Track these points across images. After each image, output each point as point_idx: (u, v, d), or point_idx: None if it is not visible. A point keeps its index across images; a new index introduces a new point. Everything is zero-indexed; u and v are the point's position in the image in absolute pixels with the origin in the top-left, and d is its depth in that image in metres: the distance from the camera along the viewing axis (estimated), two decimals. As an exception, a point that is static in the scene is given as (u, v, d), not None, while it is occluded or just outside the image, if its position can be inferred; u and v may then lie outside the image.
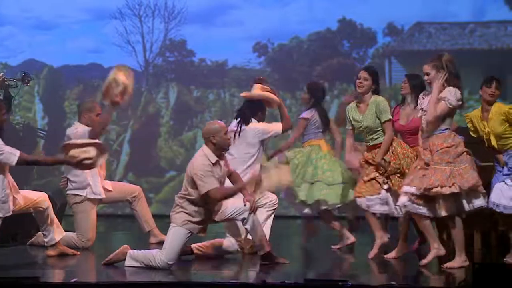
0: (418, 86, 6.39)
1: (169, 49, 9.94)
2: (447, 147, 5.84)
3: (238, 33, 9.83)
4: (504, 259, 6.11)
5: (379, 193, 6.22)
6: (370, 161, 6.26)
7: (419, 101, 6.08)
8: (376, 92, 6.29)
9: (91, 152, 5.79)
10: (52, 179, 9.63)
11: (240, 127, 6.47)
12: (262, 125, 6.52)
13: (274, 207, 6.34)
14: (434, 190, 5.76)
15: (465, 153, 5.89)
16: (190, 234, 5.75)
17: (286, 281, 5.23)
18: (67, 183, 6.79)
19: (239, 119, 6.51)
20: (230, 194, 5.79)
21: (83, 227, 6.70)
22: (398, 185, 6.13)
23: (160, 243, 6.29)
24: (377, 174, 6.22)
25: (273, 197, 6.34)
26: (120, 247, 5.88)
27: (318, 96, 7.10)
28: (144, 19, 9.88)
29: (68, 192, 6.81)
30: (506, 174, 6.12)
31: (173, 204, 5.82)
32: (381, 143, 6.22)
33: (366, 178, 6.25)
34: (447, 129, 5.91)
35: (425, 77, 5.98)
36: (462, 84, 5.96)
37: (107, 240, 7.52)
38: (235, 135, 6.43)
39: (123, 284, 5.36)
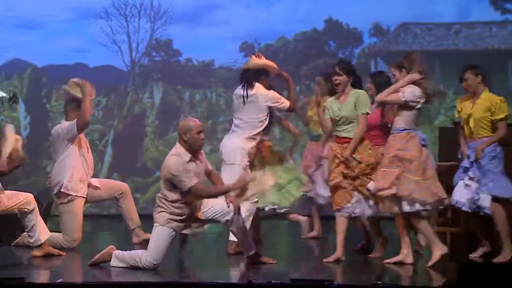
0: (383, 84, 6.38)
1: (155, 49, 9.92)
2: (399, 150, 5.93)
3: (224, 33, 9.82)
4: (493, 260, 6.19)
5: (351, 199, 6.10)
6: (338, 155, 6.10)
7: None
8: (355, 84, 6.18)
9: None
10: (37, 179, 9.59)
11: (246, 91, 6.48)
12: (272, 93, 6.56)
13: (253, 207, 6.31)
14: (379, 193, 5.93)
15: (415, 160, 5.91)
16: (174, 233, 5.74)
17: (272, 281, 5.24)
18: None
19: (243, 83, 6.52)
20: (214, 194, 5.78)
21: (69, 227, 6.67)
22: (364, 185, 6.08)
23: (143, 243, 6.28)
24: (342, 179, 6.07)
25: (229, 212, 6.10)
26: (106, 247, 5.87)
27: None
28: (130, 18, 9.85)
29: (54, 192, 6.79)
30: (465, 168, 6.26)
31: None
32: (351, 138, 6.08)
33: (333, 184, 6.11)
34: (405, 129, 5.99)
35: (393, 79, 6.14)
36: (427, 82, 6.02)
37: (93, 240, 7.49)
38: (243, 100, 6.47)
39: (109, 285, 5.35)
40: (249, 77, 6.51)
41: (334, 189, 6.12)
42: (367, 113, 6.10)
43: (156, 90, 9.94)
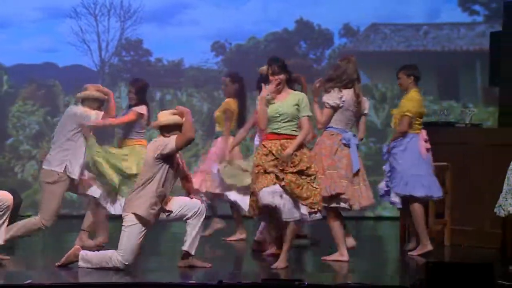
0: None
1: (125, 49, 9.87)
2: (323, 149, 6.15)
3: (194, 32, 9.81)
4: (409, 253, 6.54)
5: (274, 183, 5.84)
6: (273, 152, 5.83)
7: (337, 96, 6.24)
8: (289, 81, 6.08)
9: None
10: (4, 179, 9.48)
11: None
12: None
13: (202, 217, 5.92)
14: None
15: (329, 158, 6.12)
16: (144, 230, 5.72)
17: (242, 281, 5.25)
18: (45, 157, 6.71)
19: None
20: (189, 124, 5.71)
21: (47, 207, 6.57)
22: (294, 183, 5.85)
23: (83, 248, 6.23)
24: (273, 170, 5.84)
25: (197, 204, 5.93)
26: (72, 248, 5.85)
27: (143, 93, 6.98)
28: (100, 18, 9.79)
29: (44, 167, 6.69)
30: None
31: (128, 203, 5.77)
32: (289, 135, 5.88)
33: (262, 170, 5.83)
34: (329, 127, 6.22)
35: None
36: (359, 87, 6.25)
37: (62, 241, 7.44)
38: None
39: (78, 285, 5.32)
40: (258, 82, 6.62)
41: (259, 175, 5.81)
42: (310, 116, 6.00)
43: (126, 89, 9.87)
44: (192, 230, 5.85)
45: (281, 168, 5.81)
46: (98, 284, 5.27)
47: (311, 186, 5.86)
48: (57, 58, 9.75)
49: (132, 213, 5.69)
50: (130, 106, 6.99)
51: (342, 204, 6.15)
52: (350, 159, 6.14)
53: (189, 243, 5.85)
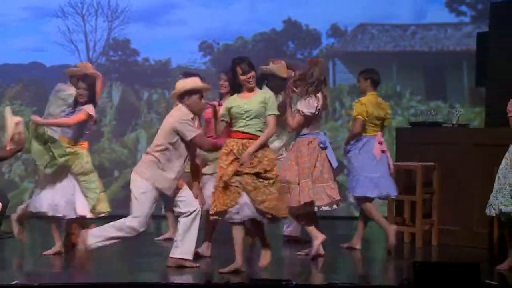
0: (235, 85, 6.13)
1: (112, 48, 9.84)
2: (299, 158, 6.21)
3: (182, 32, 9.80)
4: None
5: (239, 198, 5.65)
6: (235, 151, 5.66)
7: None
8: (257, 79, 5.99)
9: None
10: (-8, 180, 9.44)
11: None
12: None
13: (195, 219, 5.89)
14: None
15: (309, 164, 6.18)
16: (158, 196, 5.74)
17: (231, 281, 5.25)
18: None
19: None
20: (215, 145, 5.83)
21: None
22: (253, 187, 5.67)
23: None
24: (235, 177, 5.64)
25: (196, 206, 5.92)
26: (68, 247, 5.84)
27: (93, 90, 6.69)
28: (87, 17, 9.76)
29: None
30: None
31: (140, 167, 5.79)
32: (253, 134, 5.69)
33: (225, 180, 5.63)
34: (306, 134, 6.27)
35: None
36: (326, 90, 6.34)
37: (52, 242, 7.40)
38: None
39: (66, 286, 5.30)
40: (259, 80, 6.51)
41: (223, 187, 5.65)
42: (277, 115, 5.82)
43: (114, 89, 9.86)
44: (185, 233, 5.82)
45: (239, 171, 5.62)
46: (89, 284, 5.26)
47: (268, 190, 5.65)
48: (44, 58, 9.72)
49: (155, 187, 5.69)
50: (76, 103, 6.59)
51: (333, 205, 6.23)
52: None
53: (180, 251, 5.81)
